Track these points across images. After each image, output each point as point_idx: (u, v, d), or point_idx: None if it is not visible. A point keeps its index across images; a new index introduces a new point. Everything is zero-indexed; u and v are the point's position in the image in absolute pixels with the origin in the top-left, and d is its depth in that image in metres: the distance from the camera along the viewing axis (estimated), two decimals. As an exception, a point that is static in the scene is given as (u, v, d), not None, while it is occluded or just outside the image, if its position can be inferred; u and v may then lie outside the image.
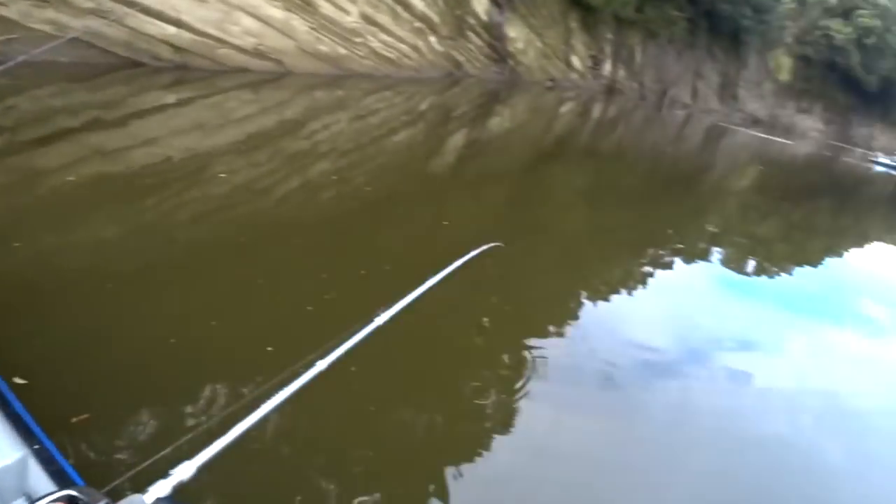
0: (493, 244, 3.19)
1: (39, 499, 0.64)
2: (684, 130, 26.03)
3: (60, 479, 1.88)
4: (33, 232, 4.60)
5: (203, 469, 0.86)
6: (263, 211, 6.21)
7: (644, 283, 6.81)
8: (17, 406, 2.05)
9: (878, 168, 33.76)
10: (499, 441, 3.62)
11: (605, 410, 4.29)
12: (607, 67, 31.92)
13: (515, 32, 23.25)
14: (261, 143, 8.48)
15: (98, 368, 3.25)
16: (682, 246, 8.57)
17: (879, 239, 14.57)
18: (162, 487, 0.80)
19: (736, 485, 3.76)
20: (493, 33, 21.97)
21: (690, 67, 40.77)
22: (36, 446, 1.94)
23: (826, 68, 55.16)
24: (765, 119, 48.49)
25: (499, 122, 15.31)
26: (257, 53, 12.66)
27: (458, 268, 2.53)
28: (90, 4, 10.02)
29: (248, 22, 12.34)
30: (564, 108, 21.35)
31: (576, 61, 28.83)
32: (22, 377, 2.85)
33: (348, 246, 5.59)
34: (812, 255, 10.69)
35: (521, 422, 3.81)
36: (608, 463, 3.72)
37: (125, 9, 10.33)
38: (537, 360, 4.47)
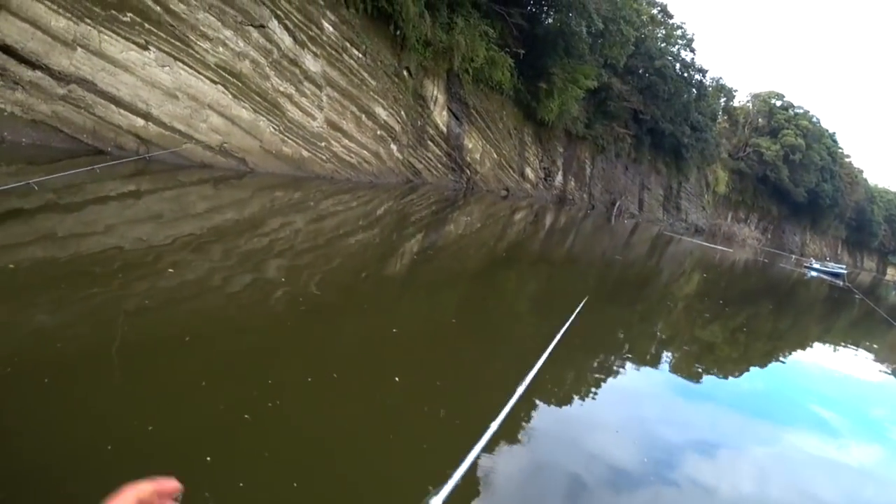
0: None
1: None
2: (632, 238, 27.22)
3: None
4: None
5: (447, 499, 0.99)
6: (210, 309, 6.11)
7: (597, 388, 6.84)
8: None
9: (812, 273, 36.05)
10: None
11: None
12: (559, 178, 33.69)
13: (472, 143, 24.51)
14: (215, 240, 8.47)
15: (28, 479, 3.07)
16: (632, 352, 8.79)
17: (818, 339, 15.41)
18: None
19: None
20: (452, 143, 23.10)
21: (637, 180, 43.39)
22: None
23: (759, 181, 60.42)
24: (706, 228, 51.46)
25: (453, 228, 15.73)
26: (222, 151, 12.93)
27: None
28: (62, 91, 10.20)
29: (216, 120, 12.71)
30: (518, 216, 22.16)
31: (529, 172, 30.35)
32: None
33: (295, 351, 5.50)
34: (757, 357, 11.07)
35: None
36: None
37: (95, 98, 10.56)
38: (488, 472, 4.39)
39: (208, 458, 3.56)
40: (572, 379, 7.02)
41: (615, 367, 7.90)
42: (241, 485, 3.45)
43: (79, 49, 10.30)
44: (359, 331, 6.53)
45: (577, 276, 14.25)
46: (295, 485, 3.54)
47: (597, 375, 7.34)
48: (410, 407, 5.01)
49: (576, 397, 6.45)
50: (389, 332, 6.53)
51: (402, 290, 8.89)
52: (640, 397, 7.15)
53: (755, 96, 63.49)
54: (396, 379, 5.35)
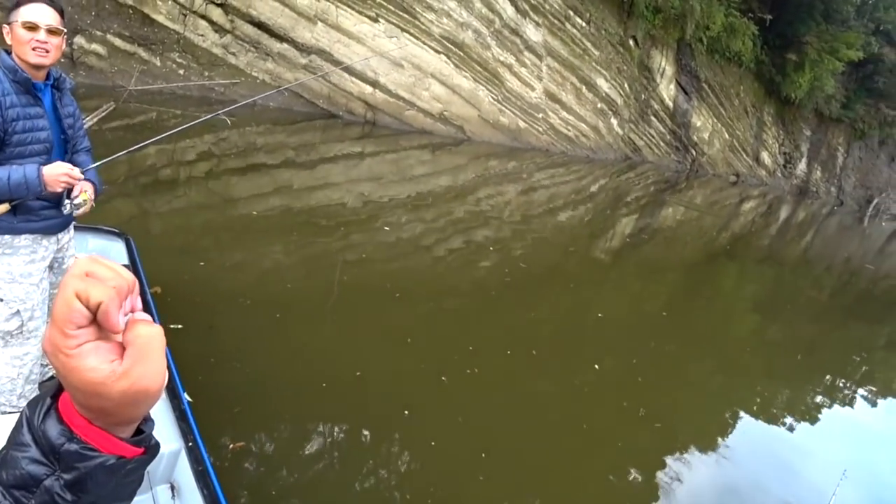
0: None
1: None
2: (890, 246, 22.89)
3: (203, 480, 2.02)
4: (218, 253, 5.10)
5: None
6: (420, 269, 6.32)
7: (818, 416, 5.82)
8: (185, 404, 2.30)
9: None
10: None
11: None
12: (802, 166, 29.49)
13: (701, 121, 22.40)
14: (429, 203, 8.76)
15: (259, 399, 3.43)
16: (872, 381, 7.30)
17: None
18: None
19: None
20: (678, 120, 21.34)
21: (904, 176, 36.37)
22: (190, 444, 2.13)
23: None
24: None
25: (671, 212, 14.54)
26: (441, 118, 13.37)
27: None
28: (304, 61, 11.39)
29: (438, 88, 13.14)
30: (747, 206, 19.82)
31: (766, 157, 27.01)
32: (190, 394, 2.99)
33: (497, 321, 5.46)
34: None
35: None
36: None
37: (332, 67, 11.60)
38: (680, 481, 3.90)
39: (406, 412, 3.65)
40: (791, 400, 6.01)
41: (846, 397, 6.60)
42: (432, 443, 3.53)
43: (319, 23, 11.41)
44: (562, 310, 6.28)
45: (811, 282, 12.29)
46: (483, 455, 3.52)
47: (822, 401, 6.19)
48: (608, 399, 4.66)
49: (796, 422, 5.51)
50: (594, 315, 6.16)
51: (610, 273, 8.40)
52: (875, 437, 5.96)
53: None
54: (596, 367, 5.02)
